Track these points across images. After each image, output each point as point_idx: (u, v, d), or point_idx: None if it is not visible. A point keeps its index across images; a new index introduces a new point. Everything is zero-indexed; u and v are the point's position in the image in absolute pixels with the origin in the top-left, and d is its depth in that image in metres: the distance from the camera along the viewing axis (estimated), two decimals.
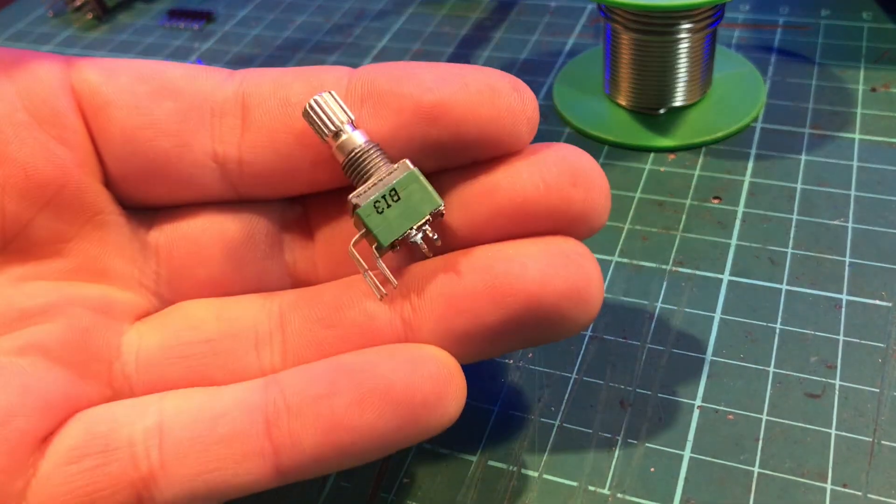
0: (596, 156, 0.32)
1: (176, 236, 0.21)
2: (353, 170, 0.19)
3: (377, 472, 0.23)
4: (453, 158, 0.19)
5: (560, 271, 0.18)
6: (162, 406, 0.18)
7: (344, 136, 0.18)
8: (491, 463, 0.23)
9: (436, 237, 0.19)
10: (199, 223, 0.21)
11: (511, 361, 0.25)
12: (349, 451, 0.17)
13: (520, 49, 0.40)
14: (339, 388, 0.17)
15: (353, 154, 0.19)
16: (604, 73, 0.34)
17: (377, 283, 0.19)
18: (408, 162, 0.18)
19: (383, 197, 0.18)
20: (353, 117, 0.19)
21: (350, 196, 0.18)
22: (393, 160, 0.19)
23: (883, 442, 0.22)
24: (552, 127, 0.34)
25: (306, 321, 0.19)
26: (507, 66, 0.38)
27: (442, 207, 0.19)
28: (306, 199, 0.22)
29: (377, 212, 0.18)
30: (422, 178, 0.18)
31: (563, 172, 0.19)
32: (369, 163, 0.18)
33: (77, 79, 0.20)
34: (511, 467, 0.22)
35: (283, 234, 0.21)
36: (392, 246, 0.19)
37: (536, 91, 0.36)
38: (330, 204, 0.21)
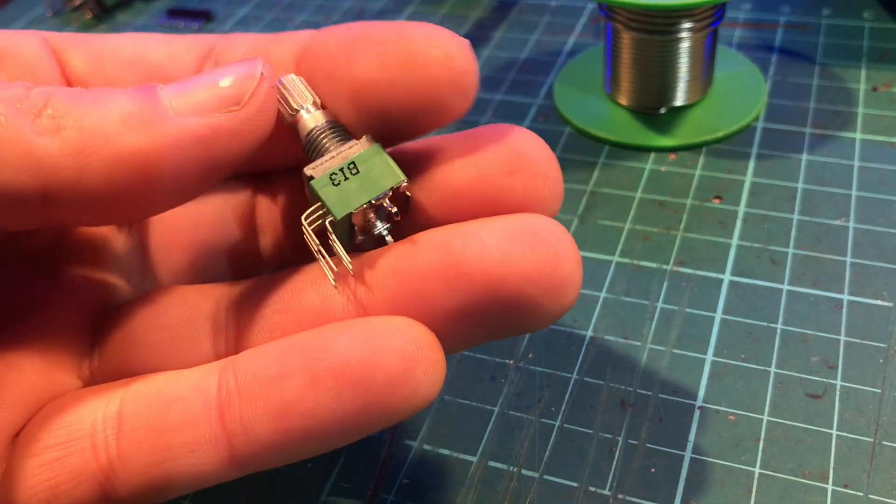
0: (596, 155, 0.32)
1: (150, 221, 0.20)
2: (313, 147, 0.18)
3: (377, 473, 0.22)
4: (397, 131, 0.18)
5: (526, 251, 0.16)
6: (125, 392, 0.18)
7: (306, 116, 0.18)
8: (491, 463, 0.22)
9: (395, 210, 0.17)
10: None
11: (511, 362, 0.25)
12: (307, 437, 0.16)
13: (520, 48, 0.39)
14: (290, 370, 0.16)
15: (312, 132, 0.18)
16: (604, 72, 0.34)
17: (329, 263, 0.18)
18: (369, 136, 0.18)
19: (341, 170, 0.17)
20: (317, 99, 0.18)
21: (305, 168, 0.17)
22: (356, 140, 0.18)
23: (884, 442, 0.22)
24: (553, 126, 0.34)
25: (260, 306, 0.18)
26: (508, 66, 0.38)
27: (405, 183, 0.17)
28: (276, 183, 0.21)
29: (333, 184, 0.17)
30: (384, 152, 0.17)
31: (499, 159, 0.17)
32: (328, 140, 0.18)
33: (63, 63, 0.19)
34: (511, 468, 0.22)
35: (257, 219, 0.21)
36: (350, 228, 0.18)
37: (537, 91, 0.36)
38: (299, 188, 0.21)
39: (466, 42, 0.18)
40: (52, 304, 0.19)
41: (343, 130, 0.18)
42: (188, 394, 0.17)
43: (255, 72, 0.16)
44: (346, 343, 0.16)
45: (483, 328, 0.17)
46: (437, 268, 0.16)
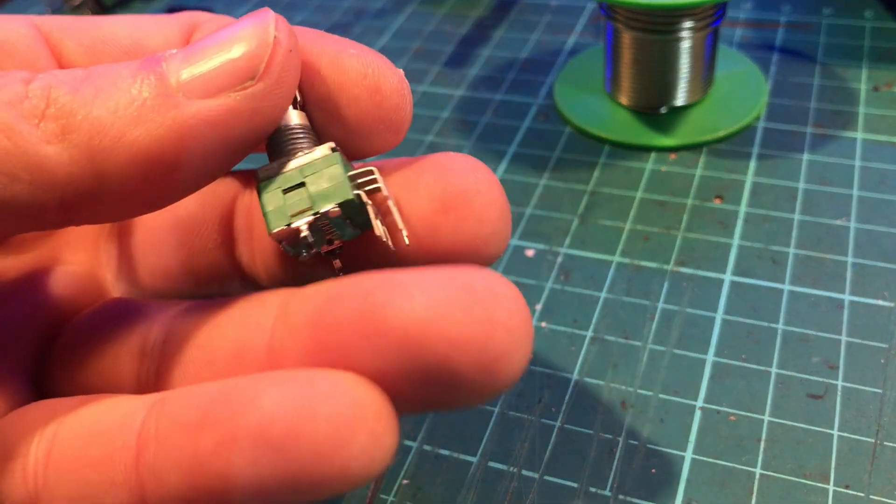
0: (597, 155, 0.32)
1: (131, 220, 0.20)
2: (277, 147, 0.16)
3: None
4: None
5: (456, 312, 0.13)
6: (64, 415, 0.16)
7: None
8: (491, 464, 0.22)
9: (338, 232, 0.16)
10: None
11: None
12: (219, 499, 0.14)
13: (520, 48, 0.39)
14: (210, 420, 0.14)
15: (280, 130, 0.16)
16: (605, 71, 0.34)
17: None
18: (331, 144, 0.16)
19: (290, 175, 0.16)
20: (299, 97, 0.17)
21: (259, 168, 0.16)
22: (319, 147, 0.17)
23: (885, 443, 0.22)
24: (553, 126, 0.34)
25: (184, 336, 0.17)
26: (508, 65, 0.38)
27: (355, 200, 0.15)
28: (253, 189, 0.20)
29: (280, 191, 0.15)
30: (342, 165, 0.16)
31: (431, 195, 0.16)
32: (292, 143, 0.16)
33: (58, 54, 0.19)
34: (511, 468, 0.22)
35: (235, 225, 0.19)
36: (291, 242, 0.16)
37: (537, 90, 0.36)
38: None
39: (400, 74, 0.17)
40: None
41: (313, 135, 0.17)
42: (113, 429, 0.15)
43: (266, 37, 0.15)
44: (275, 398, 0.14)
45: (408, 398, 0.14)
46: (355, 320, 0.14)
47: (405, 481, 0.22)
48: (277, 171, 0.16)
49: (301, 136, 0.16)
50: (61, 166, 0.14)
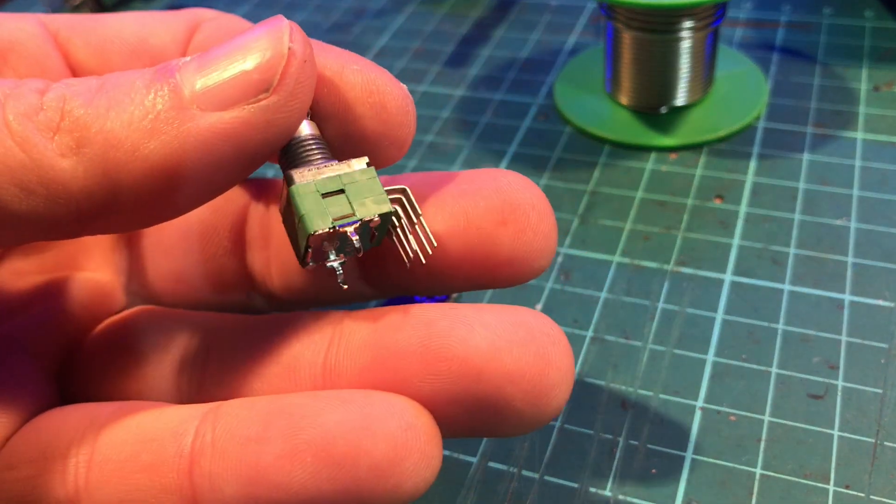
0: (597, 155, 0.32)
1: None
2: (295, 155, 0.16)
3: None
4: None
5: (514, 347, 0.15)
6: (106, 419, 0.16)
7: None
8: (491, 464, 0.22)
9: (358, 245, 0.16)
10: None
11: None
12: None
13: (520, 48, 0.39)
14: (270, 434, 0.15)
15: (297, 139, 0.16)
16: (605, 71, 0.34)
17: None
18: (366, 159, 0.16)
19: (327, 181, 0.16)
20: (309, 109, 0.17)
21: (289, 169, 0.16)
22: (339, 158, 0.17)
23: (886, 443, 0.22)
24: (553, 126, 0.34)
25: (234, 348, 0.17)
26: (508, 65, 0.38)
27: (392, 213, 0.16)
28: (270, 192, 0.20)
29: (317, 195, 0.15)
30: (377, 178, 0.16)
31: (491, 208, 0.16)
32: (314, 152, 0.16)
33: (66, 53, 0.19)
34: (511, 469, 0.22)
35: (247, 232, 0.20)
36: (324, 247, 0.16)
37: (537, 90, 0.36)
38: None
39: (404, 90, 0.17)
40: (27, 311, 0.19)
41: (327, 147, 0.17)
42: (164, 436, 0.16)
43: (281, 47, 0.14)
44: (336, 417, 0.14)
45: (456, 423, 0.15)
46: (417, 347, 0.15)
47: None
48: (312, 177, 0.16)
49: (315, 146, 0.16)
50: (76, 180, 0.14)
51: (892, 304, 0.25)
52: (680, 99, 0.33)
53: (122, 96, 0.14)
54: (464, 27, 0.41)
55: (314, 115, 0.17)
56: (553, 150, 0.33)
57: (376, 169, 0.16)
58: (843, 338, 0.24)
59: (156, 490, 0.15)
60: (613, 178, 0.31)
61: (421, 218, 0.16)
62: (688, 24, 0.30)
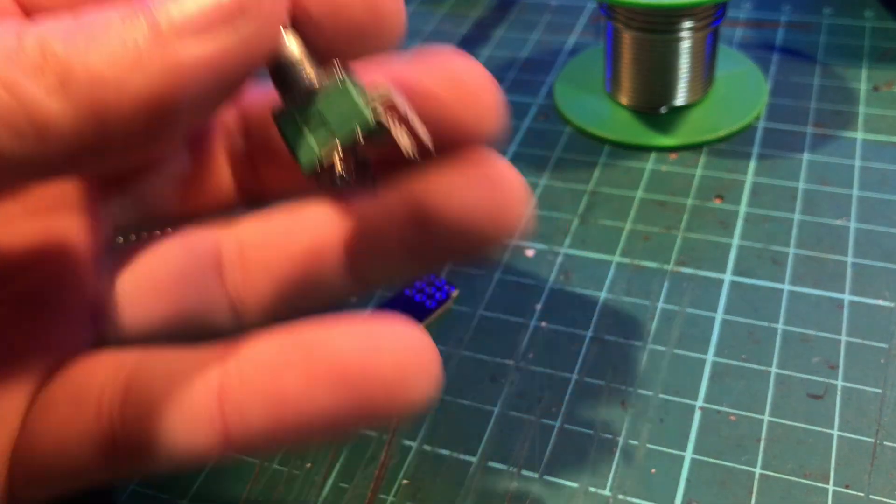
0: (597, 155, 0.32)
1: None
2: (280, 78, 0.16)
3: (376, 474, 0.22)
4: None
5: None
6: (134, 361, 0.17)
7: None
8: (491, 464, 0.22)
9: (363, 161, 0.16)
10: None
11: (511, 362, 0.25)
12: (299, 429, 0.16)
13: (520, 48, 0.39)
14: (289, 363, 0.16)
15: (278, 62, 0.16)
16: (605, 71, 0.34)
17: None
18: (338, 66, 0.16)
19: (307, 110, 0.16)
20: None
21: (273, 109, 0.16)
22: (329, 59, 0.16)
23: (885, 443, 0.22)
24: (553, 126, 0.34)
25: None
26: (508, 65, 0.38)
27: (373, 123, 0.16)
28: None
29: (301, 127, 0.16)
30: (351, 88, 0.16)
31: (438, 86, 0.17)
32: (296, 71, 0.16)
33: None
34: (511, 468, 0.22)
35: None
36: (325, 177, 0.16)
37: (537, 90, 0.36)
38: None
39: None
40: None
41: (314, 59, 0.16)
42: (194, 371, 0.17)
43: None
44: (344, 343, 0.16)
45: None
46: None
47: (405, 481, 0.22)
48: (292, 108, 0.16)
49: (298, 66, 0.16)
50: (65, 118, 0.14)
51: (891, 304, 0.25)
52: (680, 99, 0.33)
53: (100, 32, 0.14)
54: (464, 27, 0.41)
55: (295, 22, 0.16)
56: (553, 150, 0.33)
57: (371, 57, 0.16)
58: (843, 338, 0.24)
59: (189, 423, 0.16)
60: (613, 178, 0.31)
61: (409, 114, 0.16)
62: (688, 24, 0.30)
